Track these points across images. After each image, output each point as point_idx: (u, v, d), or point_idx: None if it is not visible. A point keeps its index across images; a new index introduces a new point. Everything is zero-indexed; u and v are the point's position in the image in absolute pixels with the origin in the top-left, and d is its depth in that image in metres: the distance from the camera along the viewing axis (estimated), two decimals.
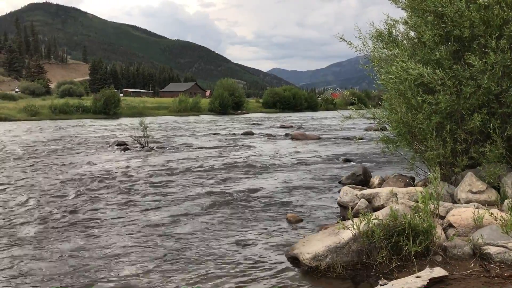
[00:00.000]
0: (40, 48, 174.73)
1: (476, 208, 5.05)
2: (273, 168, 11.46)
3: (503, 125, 5.78)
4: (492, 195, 5.67)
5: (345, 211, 5.97)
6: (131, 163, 12.44)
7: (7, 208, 7.25)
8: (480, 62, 5.50)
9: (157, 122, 36.91)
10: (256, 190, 8.51)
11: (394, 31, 7.35)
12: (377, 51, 7.44)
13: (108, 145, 18.18)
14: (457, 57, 6.14)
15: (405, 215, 4.29)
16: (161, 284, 4.24)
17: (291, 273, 4.41)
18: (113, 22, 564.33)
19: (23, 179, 9.99)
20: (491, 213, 4.54)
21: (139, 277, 4.41)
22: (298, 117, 50.24)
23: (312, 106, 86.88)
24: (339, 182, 9.06)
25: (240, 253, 5.06)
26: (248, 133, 24.02)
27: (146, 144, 16.74)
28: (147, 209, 7.15)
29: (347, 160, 12.58)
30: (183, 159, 13.35)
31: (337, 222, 4.84)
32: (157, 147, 16.80)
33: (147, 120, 20.81)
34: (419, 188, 5.73)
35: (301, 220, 6.39)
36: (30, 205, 7.44)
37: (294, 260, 4.61)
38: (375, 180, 8.12)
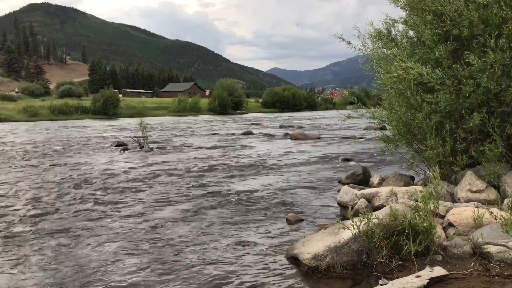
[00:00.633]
0: (39, 48, 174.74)
1: (476, 207, 5.05)
2: (273, 168, 11.46)
3: (502, 124, 5.78)
4: (492, 194, 5.67)
5: (345, 211, 5.97)
6: (130, 164, 12.44)
7: (4, 208, 7.24)
8: (480, 61, 5.50)
9: (157, 123, 36.92)
10: (255, 190, 8.51)
11: (393, 30, 7.35)
12: (376, 50, 7.44)
13: (107, 145, 18.17)
14: (456, 56, 6.13)
15: (405, 214, 4.29)
16: (160, 285, 4.23)
17: (291, 273, 4.41)
18: (112, 22, 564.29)
19: (21, 179, 9.98)
20: (491, 212, 4.53)
21: (138, 278, 4.40)
22: (297, 117, 50.24)
23: (312, 106, 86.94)
24: (339, 182, 9.06)
25: (240, 253, 5.06)
26: (248, 133, 24.01)
27: (146, 145, 16.74)
28: (146, 210, 7.15)
29: (346, 160, 12.58)
30: (183, 159, 13.34)
31: (337, 221, 4.84)
32: (156, 148, 16.80)
33: (147, 120, 20.82)
34: (419, 188, 5.73)
35: (301, 220, 6.39)
36: (29, 206, 7.42)
37: (294, 260, 4.60)
38: (374, 179, 8.12)
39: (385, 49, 7.36)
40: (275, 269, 4.54)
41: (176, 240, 5.60)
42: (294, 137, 20.55)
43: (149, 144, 17.01)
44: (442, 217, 5.06)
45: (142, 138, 17.08)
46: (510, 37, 5.50)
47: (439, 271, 3.74)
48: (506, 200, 5.29)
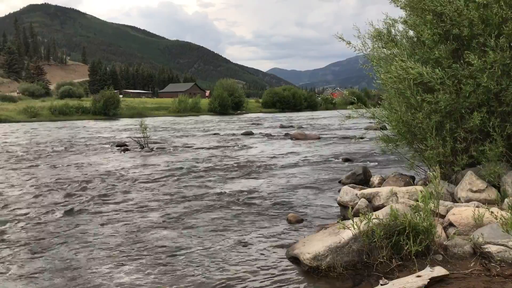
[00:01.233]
0: (39, 49, 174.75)
1: (476, 207, 5.04)
2: (273, 168, 11.46)
3: (502, 123, 5.78)
4: (492, 193, 5.67)
5: (345, 211, 5.97)
6: (130, 164, 12.44)
7: (5, 209, 7.24)
8: (479, 60, 5.50)
9: (157, 123, 36.93)
10: (256, 190, 8.51)
11: (393, 30, 7.35)
12: (376, 50, 7.44)
13: (108, 146, 18.18)
14: (456, 56, 6.13)
15: (405, 214, 4.29)
16: (161, 285, 4.23)
17: (292, 273, 4.41)
18: (112, 23, 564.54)
19: (21, 180, 9.98)
20: (492, 212, 4.54)
21: (139, 278, 4.41)
22: (298, 117, 50.24)
23: (312, 106, 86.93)
24: (339, 182, 9.06)
25: (241, 253, 5.06)
26: (248, 133, 24.01)
27: (146, 145, 16.74)
28: (147, 210, 7.15)
29: (347, 160, 12.58)
30: (183, 160, 13.35)
31: (337, 221, 4.83)
32: (156, 148, 16.80)
33: (147, 120, 20.83)
34: (419, 187, 5.73)
35: (302, 220, 6.39)
36: (29, 206, 7.43)
37: (295, 260, 4.60)
38: (375, 179, 8.12)
39: (385, 49, 7.36)
40: (275, 269, 4.54)
41: (177, 240, 5.60)
42: (294, 137, 20.55)
43: (149, 145, 17.01)
44: (443, 217, 5.06)
45: (142, 139, 17.08)
46: (510, 37, 5.51)
47: (439, 271, 3.74)
48: (506, 200, 5.29)
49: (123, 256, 5.04)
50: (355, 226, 4.26)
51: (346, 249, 4.27)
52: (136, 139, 17.63)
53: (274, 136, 22.40)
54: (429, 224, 4.24)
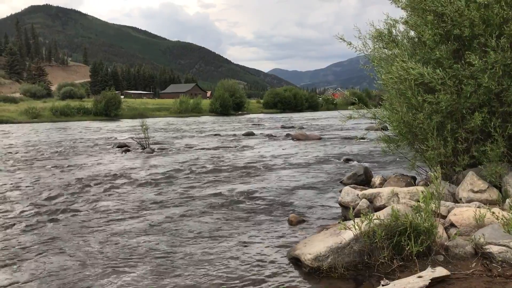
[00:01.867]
0: (40, 50, 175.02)
1: (478, 207, 5.04)
2: (274, 168, 11.46)
3: (504, 124, 5.78)
4: (493, 194, 5.67)
5: (346, 211, 5.97)
6: (132, 165, 12.45)
7: (7, 209, 7.25)
8: (480, 61, 5.50)
9: (158, 124, 36.96)
10: (257, 191, 8.51)
11: (394, 31, 7.35)
12: (377, 51, 7.44)
13: (109, 147, 18.20)
14: (457, 56, 6.13)
15: (406, 215, 4.28)
16: (162, 285, 4.24)
17: (293, 274, 4.41)
18: (113, 23, 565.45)
19: (23, 181, 9.99)
20: (493, 212, 4.53)
21: (139, 278, 4.41)
22: (299, 117, 50.23)
23: (313, 106, 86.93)
24: (340, 182, 9.06)
25: (242, 254, 5.06)
26: (249, 134, 24.02)
27: (147, 146, 16.76)
28: (148, 211, 7.16)
29: (348, 160, 12.57)
30: (184, 160, 13.36)
31: (339, 222, 4.84)
32: (158, 149, 16.81)
33: (148, 121, 20.84)
34: (421, 188, 5.72)
35: (303, 221, 6.39)
36: (30, 207, 7.44)
37: (296, 261, 4.60)
38: (376, 180, 8.12)
39: (386, 50, 7.36)
40: (276, 270, 4.54)
41: (178, 240, 5.60)
42: (295, 138, 20.55)
43: (150, 146, 17.02)
44: (444, 217, 5.06)
45: (143, 140, 17.09)
46: (511, 37, 5.50)
47: (440, 271, 3.74)
48: (507, 200, 5.29)
49: (123, 257, 5.04)
50: (356, 227, 4.26)
51: (347, 249, 4.27)
52: (137, 140, 17.65)
53: (275, 136, 22.40)
54: (430, 225, 4.24)
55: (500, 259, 3.97)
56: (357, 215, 5.28)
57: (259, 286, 4.18)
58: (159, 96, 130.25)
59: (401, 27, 7.33)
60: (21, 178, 10.52)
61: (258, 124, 35.83)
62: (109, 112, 52.89)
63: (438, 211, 4.72)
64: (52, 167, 12.32)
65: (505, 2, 5.51)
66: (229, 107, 67.30)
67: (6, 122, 43.62)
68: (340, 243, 4.29)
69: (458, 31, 5.87)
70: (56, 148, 17.69)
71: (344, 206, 6.45)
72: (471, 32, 5.76)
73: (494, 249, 4.05)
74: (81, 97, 77.71)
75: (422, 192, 4.57)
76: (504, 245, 4.04)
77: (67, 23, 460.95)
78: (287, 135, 22.46)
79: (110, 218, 6.77)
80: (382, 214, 4.63)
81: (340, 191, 7.03)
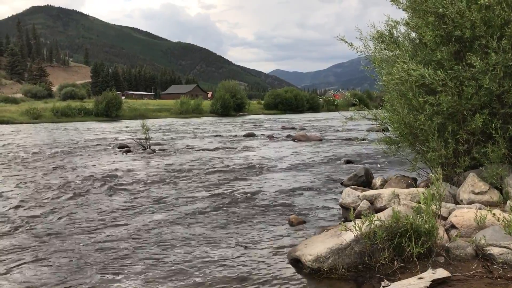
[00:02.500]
0: (42, 51, 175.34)
1: (479, 209, 5.03)
2: (275, 169, 11.46)
3: (505, 125, 5.77)
4: (494, 195, 5.66)
5: (347, 213, 5.96)
6: (133, 166, 12.46)
7: (8, 209, 7.26)
8: (482, 62, 5.50)
9: (159, 124, 36.97)
10: (258, 192, 8.51)
11: (395, 32, 7.35)
12: (378, 52, 7.44)
13: (110, 147, 18.20)
14: (458, 58, 6.13)
15: (407, 216, 4.28)
16: (162, 285, 4.24)
17: (293, 275, 4.41)
18: (114, 24, 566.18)
19: (24, 181, 10.00)
20: (494, 214, 4.53)
21: (139, 280, 4.41)
22: (299, 118, 50.23)
23: (314, 107, 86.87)
24: (341, 184, 9.05)
25: (242, 255, 5.06)
26: (250, 135, 24.01)
27: (148, 147, 16.76)
28: (148, 212, 7.16)
29: (349, 161, 12.56)
30: (185, 161, 13.36)
31: (339, 223, 4.84)
32: (159, 150, 16.82)
33: (149, 122, 20.85)
34: (421, 189, 5.72)
35: (303, 222, 6.38)
36: (32, 208, 7.44)
37: (296, 262, 4.60)
38: (377, 181, 8.11)
39: (387, 51, 7.36)
40: (277, 271, 4.54)
41: (178, 241, 5.60)
42: (296, 139, 20.55)
43: (151, 146, 17.03)
44: (445, 218, 5.05)
45: (144, 140, 17.10)
46: None
47: (441, 273, 3.74)
48: (509, 202, 5.29)
49: (122, 257, 5.04)
50: (357, 228, 4.26)
51: (348, 251, 4.27)
52: (138, 140, 17.66)
53: (276, 137, 22.40)
54: (431, 226, 4.23)
55: (501, 260, 3.97)
56: (358, 216, 5.27)
57: (259, 287, 4.18)
58: (160, 97, 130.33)
59: (402, 29, 7.34)
60: (21, 178, 10.53)
61: (259, 125, 35.83)
62: (110, 112, 52.87)
63: (439, 213, 4.72)
64: (52, 167, 12.33)
65: (506, 4, 5.51)
66: (230, 108, 67.27)
67: (7, 122, 43.64)
68: (341, 244, 4.28)
69: (459, 32, 5.87)
70: (57, 149, 17.70)
71: (345, 207, 6.45)
72: (472, 34, 5.76)
73: (495, 250, 4.04)
74: (82, 98, 77.74)
75: (423, 194, 4.57)
76: (505, 247, 4.04)
77: (68, 24, 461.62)
78: (288, 136, 22.46)
79: (110, 218, 6.77)
80: (382, 215, 4.63)
81: (341, 192, 7.03)
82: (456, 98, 5.83)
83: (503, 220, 4.30)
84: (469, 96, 5.76)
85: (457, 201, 5.89)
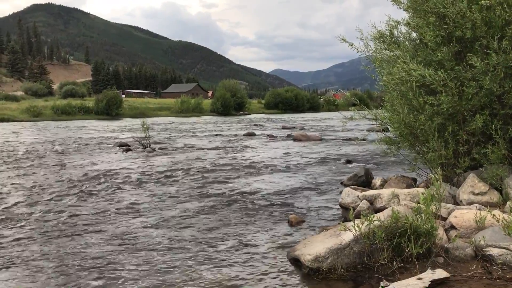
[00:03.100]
0: (42, 49, 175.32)
1: (478, 209, 5.03)
2: (275, 169, 11.46)
3: (505, 126, 5.76)
4: (494, 196, 5.66)
5: (346, 213, 5.96)
6: (133, 164, 12.45)
7: (9, 207, 7.26)
8: (482, 63, 5.49)
9: (159, 123, 36.96)
10: (257, 191, 8.51)
11: (395, 32, 7.34)
12: (378, 52, 7.43)
13: (110, 146, 18.21)
14: (459, 58, 6.12)
15: (406, 216, 4.28)
16: (161, 285, 4.23)
17: (292, 275, 4.41)
18: (115, 23, 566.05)
19: (25, 179, 10.00)
20: (493, 215, 4.52)
21: (139, 277, 4.41)
22: (300, 118, 50.21)
23: (314, 107, 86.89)
24: (341, 183, 9.05)
25: (241, 254, 5.06)
26: (250, 134, 24.02)
27: (148, 145, 16.76)
28: (147, 210, 7.16)
29: (349, 161, 12.56)
30: (185, 160, 13.36)
31: (339, 223, 4.83)
32: (159, 148, 16.82)
33: (149, 121, 20.85)
34: (421, 190, 5.71)
35: (303, 222, 6.38)
36: (32, 206, 7.44)
37: (295, 262, 4.60)
38: (377, 181, 8.11)
39: (387, 51, 7.35)
40: (276, 271, 4.54)
41: (177, 240, 5.60)
42: (296, 138, 20.54)
43: (151, 145, 17.02)
44: (444, 219, 5.05)
45: (144, 139, 17.10)
46: None
47: (440, 273, 3.73)
48: (508, 203, 5.28)
49: (121, 255, 5.04)
50: (356, 228, 4.25)
51: (347, 250, 4.27)
52: (138, 139, 17.66)
53: (276, 137, 22.40)
54: (430, 227, 4.23)
55: (500, 261, 3.96)
56: (357, 216, 5.27)
57: (258, 287, 4.18)
58: (161, 95, 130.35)
59: (403, 29, 7.33)
60: (21, 176, 10.53)
61: (259, 125, 35.82)
62: (110, 111, 52.89)
63: (439, 213, 4.71)
64: (52, 165, 12.33)
65: (507, 4, 5.50)
66: (230, 107, 67.29)
67: (8, 120, 43.68)
68: (340, 244, 4.28)
69: (460, 33, 5.86)
70: (57, 147, 17.69)
71: (344, 207, 6.44)
72: (473, 34, 5.75)
73: (494, 251, 4.04)
74: (83, 96, 77.78)
75: (423, 194, 4.56)
76: (504, 248, 4.03)
77: (69, 22, 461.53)
78: (288, 136, 22.46)
79: (109, 216, 6.77)
80: (382, 215, 4.62)
81: (341, 192, 7.02)
82: (456, 98, 5.82)
83: (502, 221, 4.30)
84: (470, 97, 5.75)
85: (456, 202, 5.88)
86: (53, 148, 17.36)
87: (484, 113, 5.75)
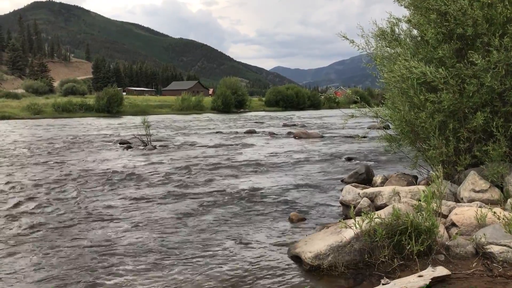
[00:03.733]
0: (43, 46, 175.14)
1: (479, 207, 5.03)
2: (275, 166, 11.46)
3: (506, 123, 5.76)
4: (495, 194, 5.65)
5: (347, 210, 5.96)
6: (133, 162, 12.46)
7: (10, 205, 7.27)
8: (483, 60, 5.48)
9: (160, 121, 36.97)
10: (258, 189, 8.51)
11: (396, 29, 7.33)
12: (379, 49, 7.42)
13: (111, 143, 18.21)
14: (460, 56, 6.11)
15: (407, 214, 4.28)
16: (161, 284, 4.24)
17: (293, 272, 4.41)
18: (116, 20, 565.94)
19: (26, 177, 10.01)
20: (494, 212, 4.52)
21: (139, 276, 4.41)
22: (301, 116, 50.19)
23: (315, 105, 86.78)
24: (342, 181, 9.05)
25: (242, 252, 5.07)
26: (251, 132, 24.01)
27: (149, 143, 16.77)
28: (148, 208, 7.16)
29: (349, 159, 12.56)
30: (185, 157, 13.36)
31: (339, 221, 4.83)
32: (159, 146, 16.83)
33: (150, 118, 20.85)
34: (422, 187, 5.71)
35: (303, 219, 6.39)
36: (33, 203, 7.45)
37: (296, 259, 4.60)
38: (377, 178, 8.10)
39: (388, 48, 7.35)
40: (277, 268, 4.54)
41: (178, 237, 5.61)
42: (297, 136, 20.54)
43: (152, 142, 17.03)
44: (445, 216, 5.05)
45: (145, 136, 17.11)
46: None
47: (441, 271, 3.73)
48: (509, 200, 5.28)
49: (121, 253, 5.05)
50: (357, 225, 4.26)
51: (347, 248, 4.27)
52: (139, 136, 17.66)
53: (277, 134, 22.40)
54: (431, 224, 4.23)
55: (501, 259, 3.97)
56: (358, 213, 5.27)
57: (259, 284, 4.18)
58: (161, 93, 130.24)
59: (404, 26, 7.32)
60: (22, 173, 10.54)
61: (260, 122, 35.80)
62: (111, 108, 52.84)
63: (439, 211, 4.71)
64: (53, 163, 12.34)
65: (508, 1, 5.49)
66: (231, 104, 67.24)
67: (9, 118, 43.67)
68: (341, 242, 4.28)
69: (461, 30, 5.85)
70: (58, 144, 17.71)
71: (345, 205, 6.44)
72: (474, 31, 5.74)
73: (495, 249, 4.04)
74: (83, 94, 77.77)
75: (424, 192, 4.56)
76: (505, 245, 4.04)
77: (70, 19, 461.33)
78: (289, 133, 22.45)
79: (109, 214, 6.78)
80: (383, 213, 4.62)
81: (341, 190, 7.03)
82: (457, 96, 5.81)
83: (503, 219, 4.30)
84: (471, 94, 5.74)
85: (457, 199, 5.88)
86: (53, 145, 17.36)
87: (485, 111, 5.75)
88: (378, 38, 7.43)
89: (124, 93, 78.19)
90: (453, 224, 4.81)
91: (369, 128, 22.77)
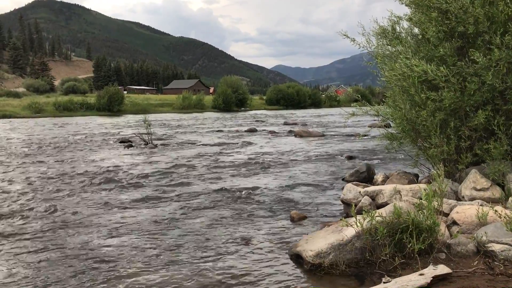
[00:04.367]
0: (44, 45, 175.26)
1: (480, 205, 5.03)
2: (276, 165, 11.46)
3: (507, 122, 5.75)
4: (496, 192, 5.65)
5: (348, 209, 5.96)
6: (134, 160, 12.47)
7: (10, 204, 7.28)
8: (485, 58, 5.47)
9: (161, 119, 36.97)
10: (259, 187, 8.51)
11: (398, 27, 7.32)
12: (380, 47, 7.42)
13: (112, 142, 18.22)
14: (461, 54, 6.10)
15: (408, 212, 4.28)
16: (161, 282, 4.24)
17: (294, 271, 4.41)
18: (116, 19, 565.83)
19: (27, 176, 10.02)
20: (495, 211, 4.52)
21: (139, 275, 4.42)
22: (301, 114, 50.17)
23: (316, 103, 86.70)
24: (343, 179, 9.04)
25: (243, 250, 5.07)
26: (252, 130, 24.01)
27: (150, 141, 16.77)
28: (148, 206, 7.17)
29: (350, 157, 12.55)
30: (186, 156, 13.36)
31: (340, 219, 4.83)
32: (160, 144, 16.83)
33: (151, 117, 20.85)
34: (423, 185, 5.71)
35: (304, 218, 6.38)
36: (33, 202, 7.46)
37: (297, 258, 4.60)
38: (378, 177, 8.10)
39: (389, 47, 7.34)
40: (278, 266, 4.54)
41: (179, 236, 5.61)
42: (298, 134, 20.53)
43: (153, 141, 17.03)
44: (446, 215, 5.05)
45: (146, 135, 17.11)
46: None
47: (442, 269, 3.73)
48: (510, 198, 5.28)
49: (121, 251, 5.05)
50: (358, 224, 4.26)
51: (349, 246, 4.27)
52: (140, 135, 17.67)
53: (277, 133, 22.39)
54: (432, 222, 4.23)
55: (502, 257, 3.96)
56: (359, 212, 5.26)
57: (260, 283, 4.19)
58: (162, 91, 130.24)
59: (405, 24, 7.31)
60: (22, 171, 10.55)
61: (261, 121, 35.79)
62: (112, 107, 52.86)
63: (441, 209, 4.71)
64: (54, 161, 12.35)
65: (510, 0, 5.48)
66: (232, 103, 67.22)
67: (9, 116, 43.75)
68: (342, 240, 4.28)
69: (462, 28, 5.84)
70: (59, 143, 17.72)
71: (346, 203, 6.45)
72: (475, 30, 5.73)
73: (496, 247, 4.04)
74: (84, 92, 77.83)
75: (425, 190, 4.56)
76: (506, 244, 4.03)
77: (71, 18, 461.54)
78: (290, 132, 22.45)
79: (110, 212, 6.79)
80: (384, 211, 4.62)
81: (342, 188, 7.03)
82: (458, 94, 5.81)
83: (504, 217, 4.29)
84: (472, 92, 5.74)
85: (458, 198, 5.88)
86: (54, 144, 17.38)
87: (487, 109, 5.74)
88: (379, 37, 7.42)
89: (125, 92, 78.19)
90: (454, 223, 4.81)
91: (370, 126, 22.74)
